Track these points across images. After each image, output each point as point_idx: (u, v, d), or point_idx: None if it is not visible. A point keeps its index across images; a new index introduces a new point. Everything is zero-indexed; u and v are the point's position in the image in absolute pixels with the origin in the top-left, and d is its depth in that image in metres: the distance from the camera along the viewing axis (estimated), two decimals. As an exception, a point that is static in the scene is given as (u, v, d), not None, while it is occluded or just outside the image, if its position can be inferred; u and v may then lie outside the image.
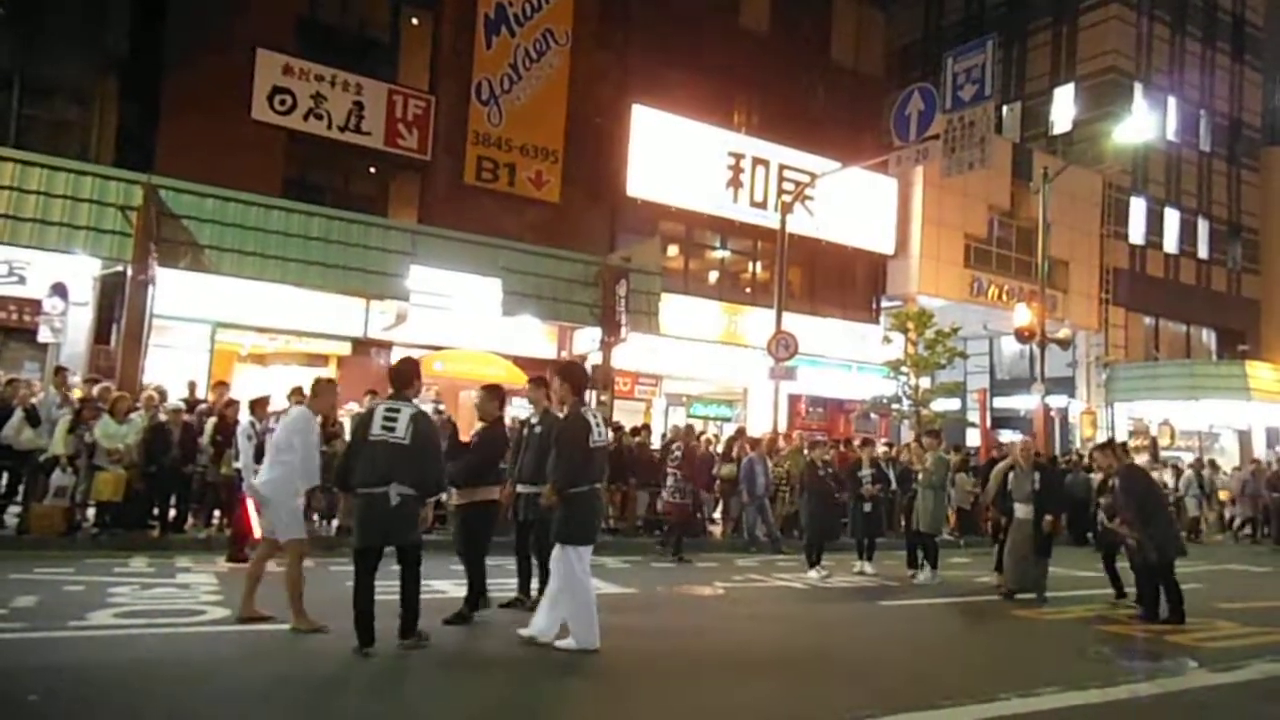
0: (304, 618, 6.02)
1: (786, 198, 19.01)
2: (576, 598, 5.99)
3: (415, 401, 6.13)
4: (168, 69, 15.05)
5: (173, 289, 13.25)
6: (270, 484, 6.17)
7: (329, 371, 15.73)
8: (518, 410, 17.03)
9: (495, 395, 7.33)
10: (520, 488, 7.18)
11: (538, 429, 7.13)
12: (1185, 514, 18.83)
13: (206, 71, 14.71)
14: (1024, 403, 25.90)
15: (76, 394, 10.72)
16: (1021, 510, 9.68)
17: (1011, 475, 9.94)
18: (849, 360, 21.87)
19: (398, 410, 5.77)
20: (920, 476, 11.29)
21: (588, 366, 17.48)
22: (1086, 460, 19.02)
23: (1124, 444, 10.19)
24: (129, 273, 12.70)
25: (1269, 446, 28.60)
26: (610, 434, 12.63)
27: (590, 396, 17.15)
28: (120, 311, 12.93)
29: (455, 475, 6.90)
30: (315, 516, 10.51)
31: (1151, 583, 8.56)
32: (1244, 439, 29.17)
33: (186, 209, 13.24)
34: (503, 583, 7.67)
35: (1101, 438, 26.13)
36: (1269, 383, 27.32)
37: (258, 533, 8.64)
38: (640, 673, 5.78)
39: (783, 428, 17.16)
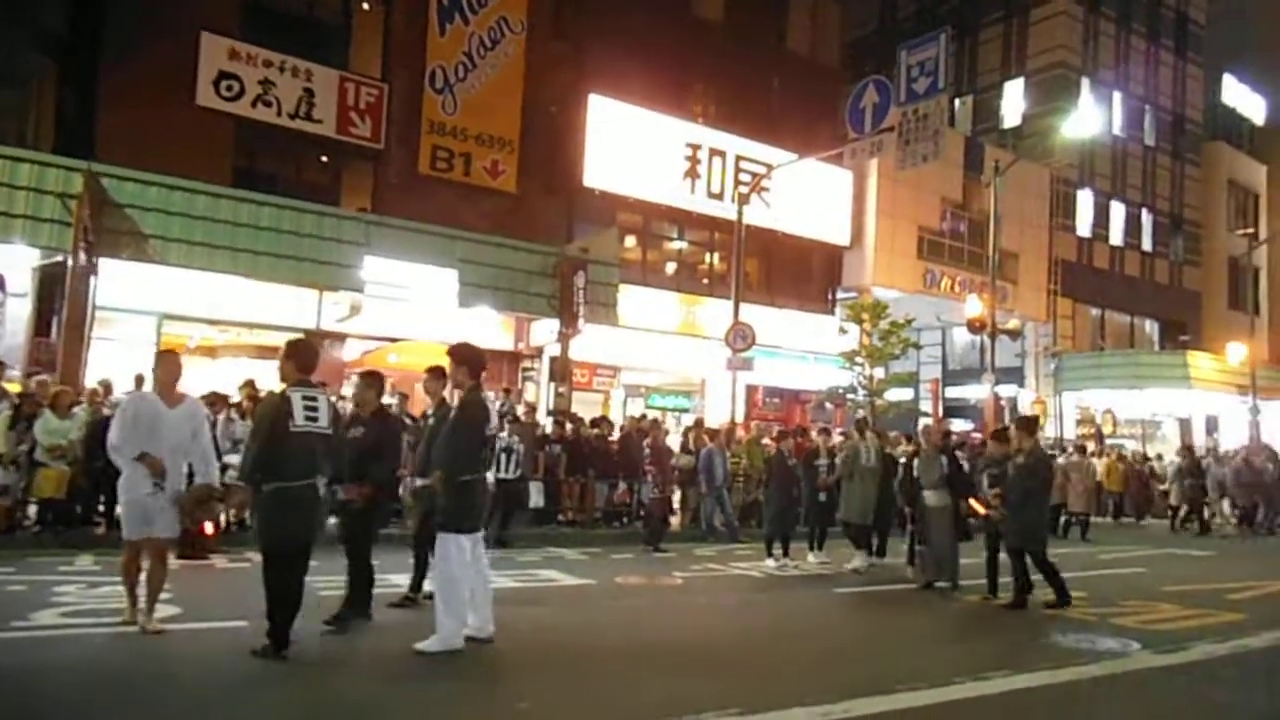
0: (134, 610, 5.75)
1: (743, 189, 19.08)
2: (451, 590, 5.69)
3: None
4: (108, 52, 14.56)
5: (116, 280, 12.89)
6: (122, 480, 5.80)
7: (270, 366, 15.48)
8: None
9: (374, 383, 6.89)
10: (419, 481, 6.70)
11: (432, 421, 6.67)
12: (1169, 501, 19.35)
13: (149, 55, 14.25)
14: (975, 392, 26.41)
15: (14, 388, 10.38)
16: (931, 497, 9.44)
17: (917, 462, 9.76)
18: (805, 351, 22.07)
19: (316, 398, 5.50)
20: (839, 465, 11.15)
21: (546, 358, 17.47)
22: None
23: (1033, 420, 9.92)
24: (69, 263, 12.32)
25: (1207, 433, 29.57)
26: (497, 422, 12.60)
27: (547, 388, 17.16)
28: (61, 303, 12.56)
29: (346, 471, 6.50)
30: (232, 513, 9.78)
31: (1045, 565, 8.37)
32: (1184, 427, 30.11)
33: (129, 197, 12.85)
34: (387, 579, 7.30)
35: (1051, 427, 26.83)
36: (1208, 372, 28.21)
37: (210, 529, 8.45)
38: (565, 665, 5.77)
39: (740, 418, 17.27)
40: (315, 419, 5.41)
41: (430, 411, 6.95)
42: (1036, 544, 8.41)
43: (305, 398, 5.44)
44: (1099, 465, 19.51)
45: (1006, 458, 8.84)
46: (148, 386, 6.71)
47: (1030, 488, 8.40)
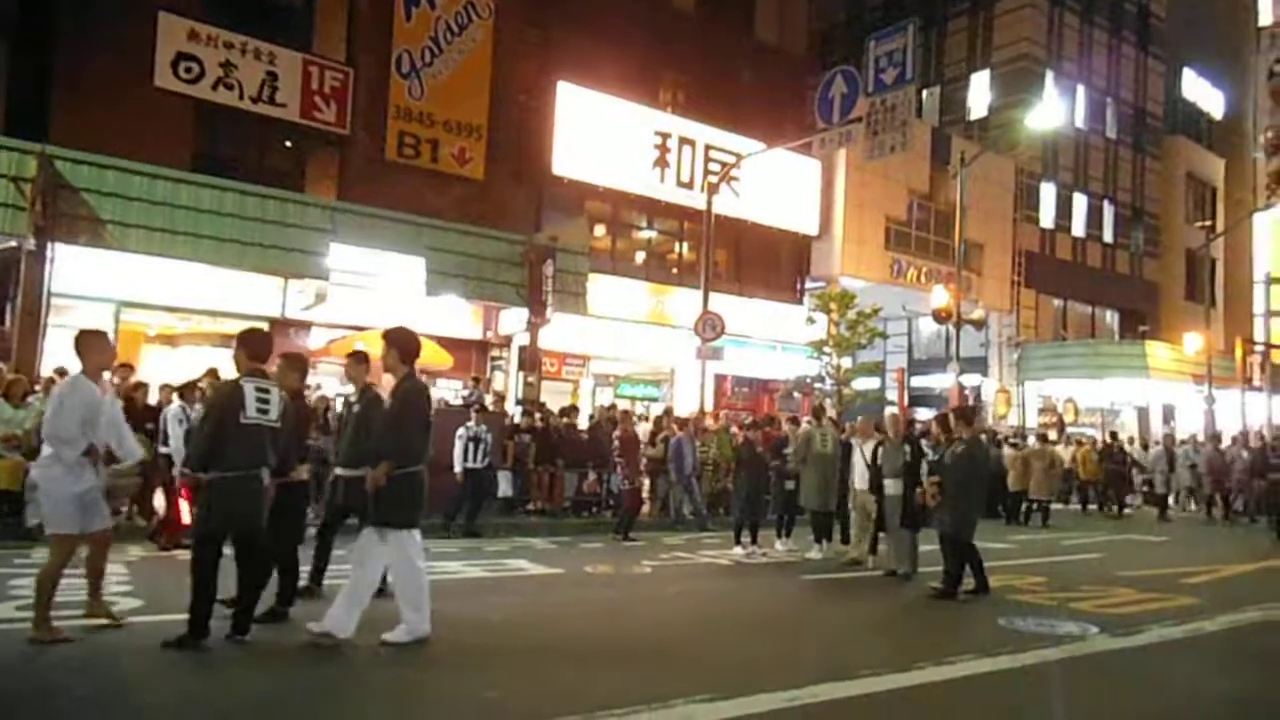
0: (46, 626, 5.28)
1: (713, 178, 19.08)
2: (413, 583, 5.60)
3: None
4: (62, 31, 14.17)
5: (73, 266, 12.58)
6: (39, 472, 5.63)
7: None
8: (443, 392, 16.91)
9: (296, 365, 6.56)
10: (339, 471, 6.61)
11: (356, 407, 6.58)
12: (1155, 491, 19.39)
13: (105, 35, 13.89)
14: (940, 381, 26.74)
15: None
16: (891, 486, 9.49)
17: (881, 450, 9.78)
18: (774, 340, 22.18)
19: (269, 391, 5.49)
20: (793, 452, 11.19)
21: (515, 347, 17.37)
22: (1000, 437, 19.79)
23: (971, 410, 9.87)
24: (23, 248, 12.01)
25: (1164, 421, 30.22)
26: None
27: (516, 377, 17.07)
28: (15, 290, 12.25)
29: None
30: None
31: (956, 556, 8.35)
32: (1143, 415, 30.75)
33: (86, 181, 12.54)
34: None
35: (1014, 416, 27.26)
36: (1166, 362, 28.81)
37: (187, 519, 8.26)
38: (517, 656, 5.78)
39: (709, 407, 17.33)
40: (266, 412, 5.41)
41: (353, 399, 6.72)
42: (967, 533, 8.34)
43: (258, 389, 5.41)
44: (1065, 454, 19.66)
45: (949, 446, 8.79)
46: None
47: (965, 478, 8.35)
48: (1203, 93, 40.28)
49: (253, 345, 5.61)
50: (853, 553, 10.47)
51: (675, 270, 21.48)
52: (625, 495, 12.84)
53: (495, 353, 17.99)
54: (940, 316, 20.28)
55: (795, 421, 12.99)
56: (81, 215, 12.44)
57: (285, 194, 14.64)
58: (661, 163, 20.41)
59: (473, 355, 17.55)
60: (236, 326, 14.84)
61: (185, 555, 7.37)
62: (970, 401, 23.68)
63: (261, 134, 16.07)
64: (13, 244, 12.20)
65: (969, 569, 8.35)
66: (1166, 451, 20.09)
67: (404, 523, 5.62)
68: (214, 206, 13.52)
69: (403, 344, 5.85)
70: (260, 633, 5.53)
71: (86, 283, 13.08)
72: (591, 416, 15.57)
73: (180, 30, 14.68)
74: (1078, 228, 33.00)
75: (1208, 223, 37.08)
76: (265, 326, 14.51)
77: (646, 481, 14.59)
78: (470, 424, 11.84)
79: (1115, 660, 6.10)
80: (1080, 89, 33.01)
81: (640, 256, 21.52)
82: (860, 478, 10.26)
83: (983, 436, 8.83)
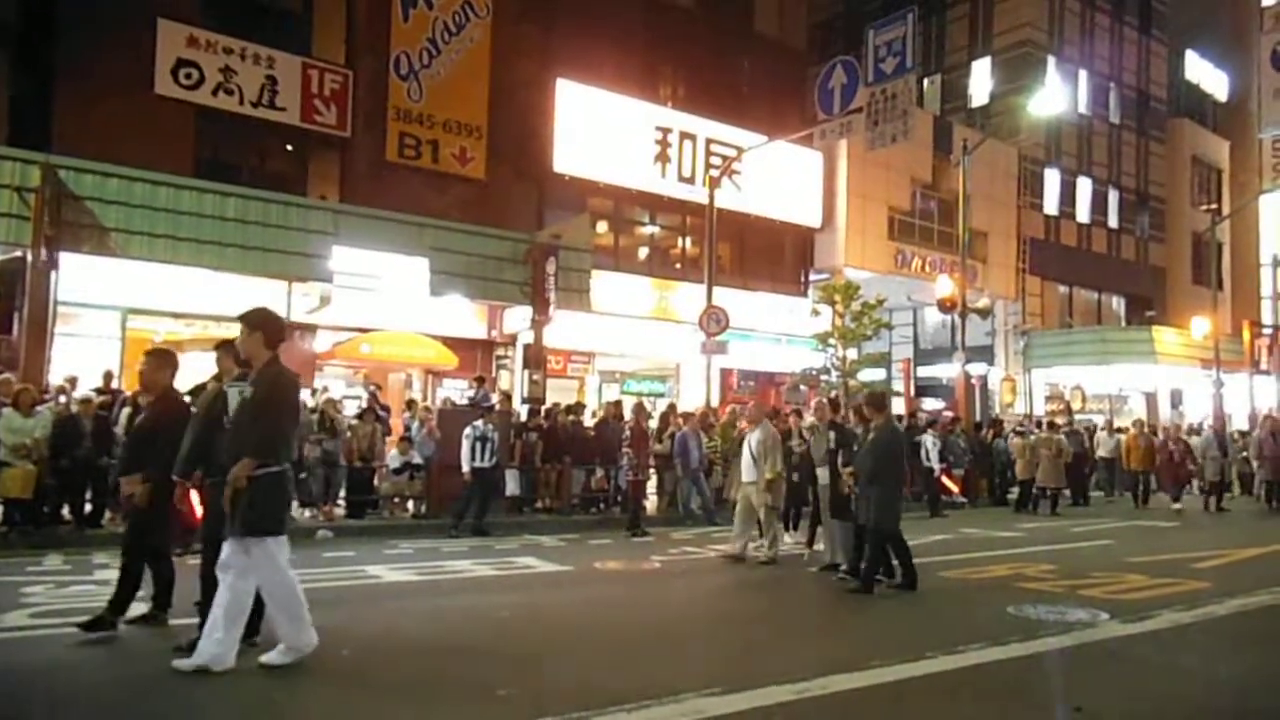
0: None
1: (714, 172, 19.06)
2: (284, 596, 5.05)
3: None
4: (62, 41, 14.23)
5: (79, 274, 12.66)
6: None
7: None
8: (448, 392, 16.93)
9: (165, 362, 6.14)
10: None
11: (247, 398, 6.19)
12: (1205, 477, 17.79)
13: (105, 44, 13.95)
14: (946, 371, 26.68)
15: (-23, 387, 10.17)
16: (822, 475, 9.14)
17: (813, 439, 9.42)
18: (779, 333, 22.16)
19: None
20: (795, 445, 10.74)
21: (520, 345, 17.38)
22: (1010, 428, 19.73)
23: (882, 396, 8.96)
24: (29, 258, 12.07)
25: (1173, 407, 30.11)
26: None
27: (521, 375, 17.08)
28: (22, 299, 12.31)
29: (122, 461, 6.11)
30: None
31: (879, 546, 7.91)
32: (1150, 401, 30.63)
33: (89, 190, 12.61)
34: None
35: (1021, 404, 27.17)
36: (1173, 347, 28.68)
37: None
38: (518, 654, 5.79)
39: (715, 401, 17.33)
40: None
41: (246, 391, 6.20)
42: (886, 522, 7.88)
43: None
44: (1109, 442, 19.06)
45: (868, 433, 8.36)
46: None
47: (877, 465, 7.95)
48: (1206, 75, 40.01)
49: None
50: (727, 547, 9.86)
51: (679, 265, 21.47)
52: (630, 486, 12.79)
53: (500, 352, 18.02)
54: (945, 306, 20.23)
55: (799, 414, 12.95)
56: (85, 223, 12.51)
57: (288, 198, 14.69)
58: (663, 158, 20.40)
59: (478, 355, 17.59)
60: (242, 331, 15.06)
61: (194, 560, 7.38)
62: (976, 390, 23.59)
63: (262, 138, 16.12)
64: (18, 254, 12.27)
65: (896, 561, 7.92)
66: (1217, 436, 18.40)
67: (267, 529, 5.00)
68: (217, 211, 13.58)
69: (266, 327, 5.18)
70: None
71: (92, 291, 13.15)
72: (595, 413, 15.57)
73: (179, 37, 14.73)
74: (1082, 213, 32.85)
75: (1213, 206, 36.84)
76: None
77: (654, 476, 14.63)
78: (477, 423, 11.86)
79: (1123, 646, 6.09)
80: (1083, 74, 32.83)
81: (643, 252, 21.52)
82: (746, 469, 9.73)
83: (899, 422, 8.15)
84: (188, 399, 6.27)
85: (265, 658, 5.02)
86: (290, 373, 5.24)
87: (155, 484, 5.65)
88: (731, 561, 9.62)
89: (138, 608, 5.84)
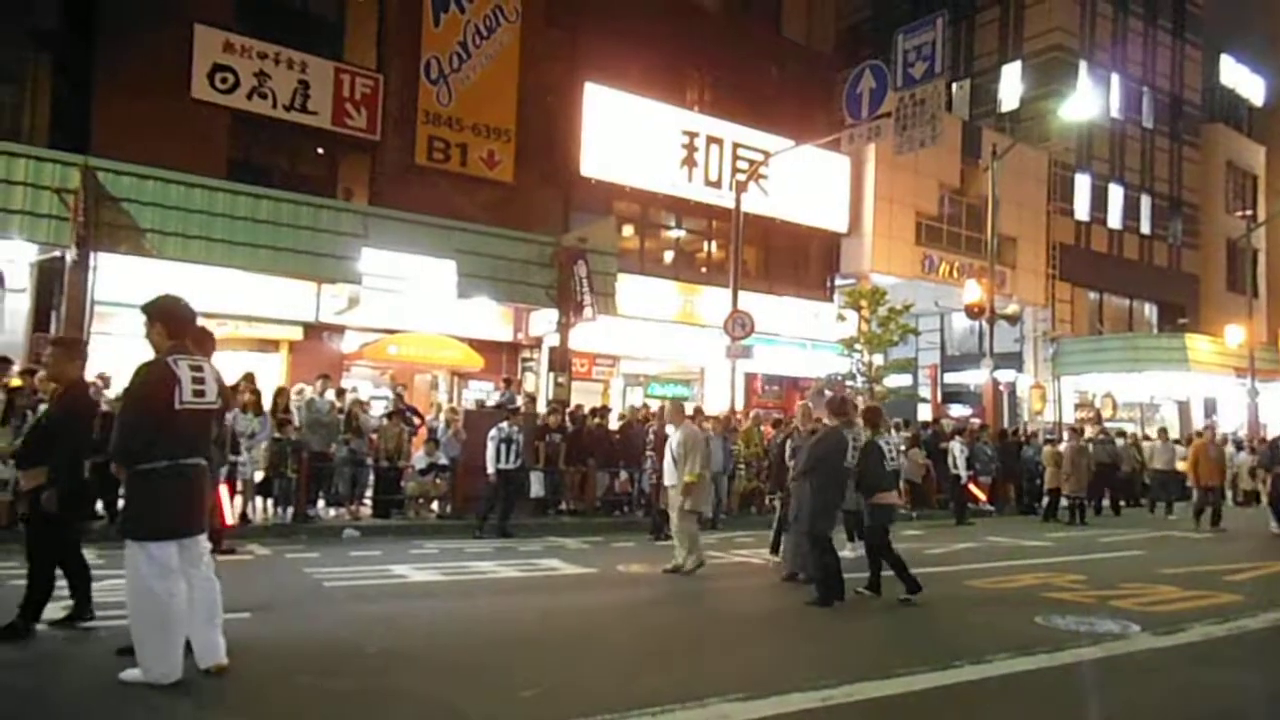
0: None
1: (741, 176, 19.04)
2: (144, 610, 4.44)
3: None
4: (102, 46, 14.52)
5: (115, 274, 12.86)
6: None
7: (281, 358, 15.50)
8: (475, 394, 17.04)
9: (73, 353, 5.82)
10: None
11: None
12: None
13: (143, 48, 14.23)
14: (974, 378, 26.46)
15: (15, 384, 10.37)
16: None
17: (789, 445, 9.19)
18: (804, 338, 22.09)
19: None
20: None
21: (545, 348, 17.46)
22: (1042, 436, 19.48)
23: (841, 400, 8.47)
24: (67, 258, 12.31)
25: (1206, 415, 29.63)
26: (333, 400, 12.37)
27: (547, 378, 17.17)
28: (60, 298, 12.55)
29: (21, 455, 5.82)
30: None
31: (815, 551, 7.63)
32: (1183, 409, 30.17)
33: (126, 191, 12.83)
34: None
35: (1050, 411, 26.86)
36: (1207, 355, 28.24)
37: (230, 520, 8.29)
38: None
39: (740, 406, 17.31)
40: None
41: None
42: (818, 526, 7.59)
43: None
44: (1164, 450, 18.05)
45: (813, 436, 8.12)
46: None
47: (809, 464, 7.74)
48: (1242, 79, 39.39)
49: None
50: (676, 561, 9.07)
51: (704, 269, 21.47)
52: (653, 489, 12.80)
53: (526, 354, 18.11)
54: (973, 312, 20.06)
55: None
56: (122, 224, 12.72)
57: (318, 200, 14.86)
58: (689, 162, 20.41)
59: (503, 357, 17.69)
60: (272, 332, 15.28)
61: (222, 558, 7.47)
62: (1004, 397, 23.36)
63: (294, 141, 16.33)
64: (57, 254, 12.50)
65: (814, 568, 7.55)
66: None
67: (133, 532, 4.54)
68: (249, 213, 13.76)
69: (166, 315, 4.79)
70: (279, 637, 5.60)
71: (128, 290, 13.34)
72: (621, 416, 15.60)
73: (216, 42, 14.98)
74: (1114, 219, 32.45)
75: (1249, 212, 36.28)
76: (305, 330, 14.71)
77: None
78: (503, 425, 11.93)
79: (1153, 660, 6.00)
80: (1115, 78, 32.45)
81: (669, 256, 21.53)
82: (668, 472, 9.14)
83: (854, 427, 7.68)
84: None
85: (123, 674, 4.51)
86: (164, 364, 4.63)
87: (63, 482, 5.42)
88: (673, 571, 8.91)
89: (54, 609, 5.71)
